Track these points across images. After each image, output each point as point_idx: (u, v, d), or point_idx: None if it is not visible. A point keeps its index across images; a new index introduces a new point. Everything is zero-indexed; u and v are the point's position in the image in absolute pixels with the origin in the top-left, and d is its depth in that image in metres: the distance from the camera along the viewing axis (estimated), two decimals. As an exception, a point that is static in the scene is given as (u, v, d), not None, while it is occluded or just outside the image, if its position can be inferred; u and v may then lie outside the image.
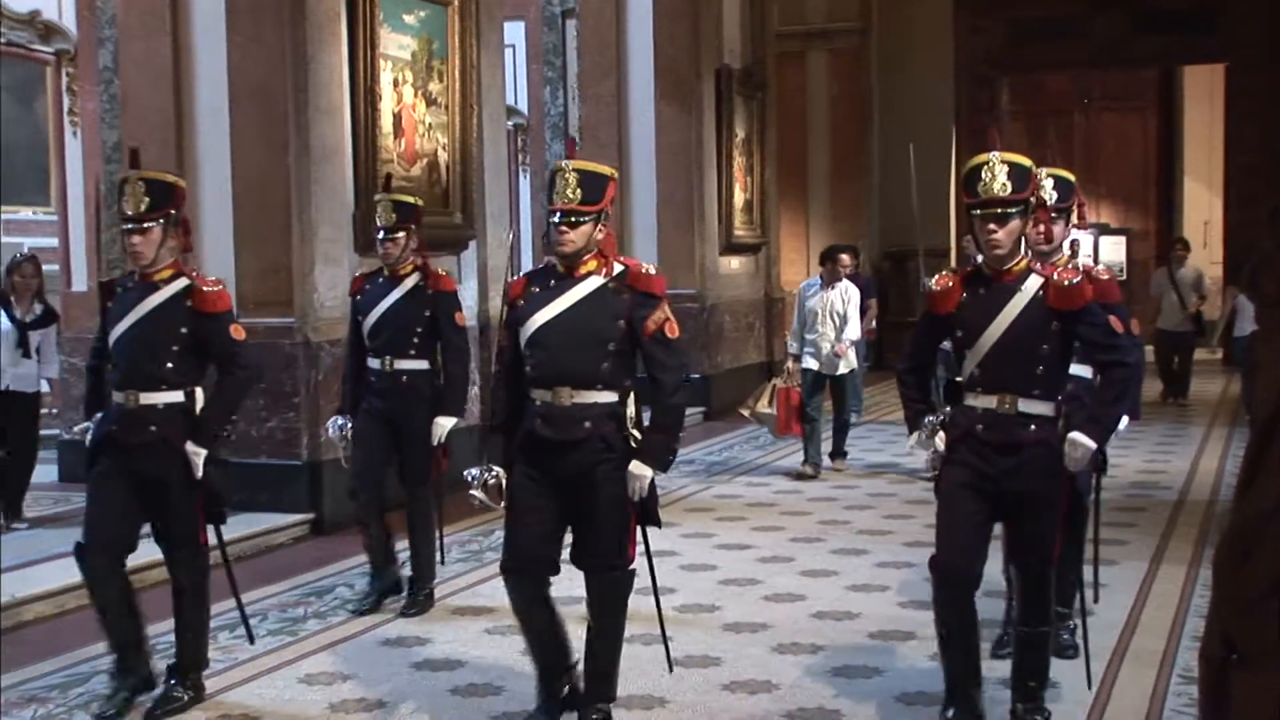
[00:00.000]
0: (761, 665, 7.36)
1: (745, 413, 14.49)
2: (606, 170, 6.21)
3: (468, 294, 12.88)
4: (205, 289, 6.73)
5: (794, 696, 6.93)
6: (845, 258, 14.09)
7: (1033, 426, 5.92)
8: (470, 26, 12.96)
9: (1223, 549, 2.87)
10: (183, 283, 6.72)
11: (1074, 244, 7.52)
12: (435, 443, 8.72)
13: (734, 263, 19.82)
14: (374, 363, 8.73)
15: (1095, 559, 7.90)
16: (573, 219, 5.94)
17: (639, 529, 6.26)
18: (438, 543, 9.08)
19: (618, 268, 6.13)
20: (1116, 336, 5.99)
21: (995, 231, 5.85)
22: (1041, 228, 6.81)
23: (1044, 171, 6.90)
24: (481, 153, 13.10)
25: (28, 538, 10.50)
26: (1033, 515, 6.03)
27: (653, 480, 6.10)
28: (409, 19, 12.26)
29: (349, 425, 8.72)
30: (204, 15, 11.63)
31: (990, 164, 5.86)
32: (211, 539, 6.99)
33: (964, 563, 5.99)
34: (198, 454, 6.64)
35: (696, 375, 17.90)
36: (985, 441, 5.96)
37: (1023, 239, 6.02)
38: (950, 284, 6.14)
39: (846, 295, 13.66)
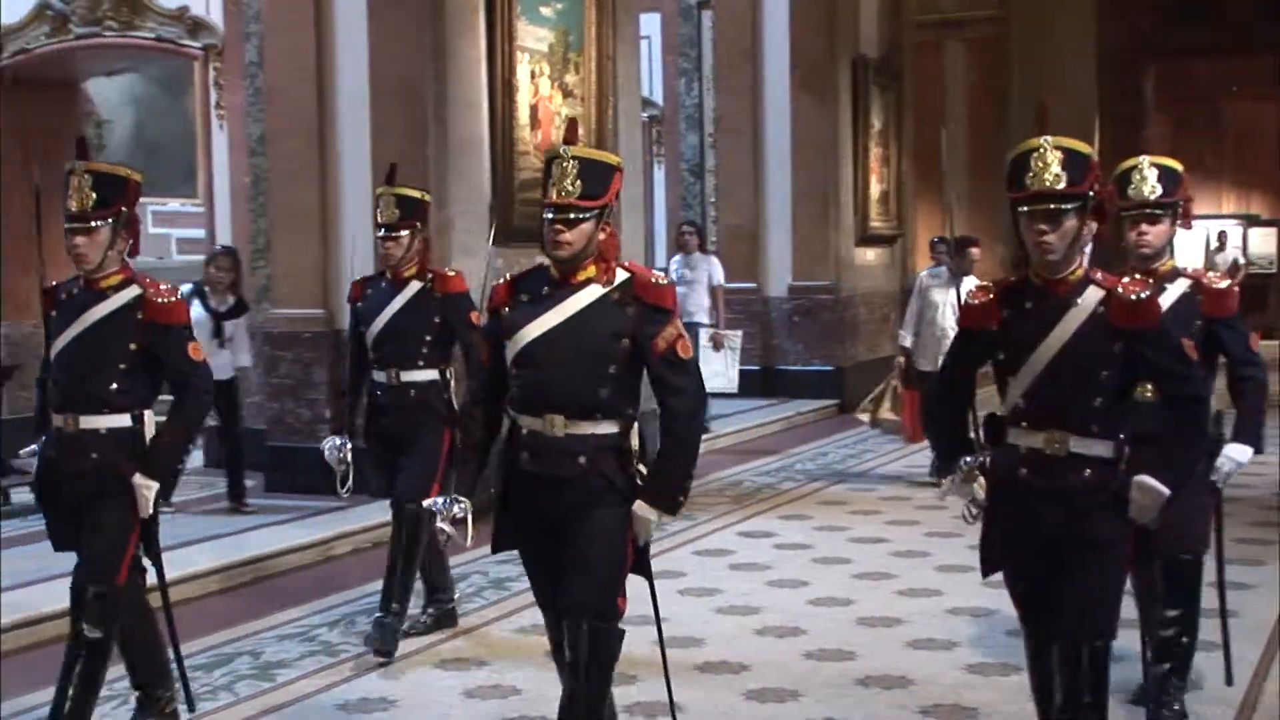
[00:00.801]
0: (896, 660, 7.21)
1: (864, 418, 14.01)
2: (612, 159, 5.27)
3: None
4: (158, 299, 5.83)
5: (928, 692, 6.76)
6: (976, 250, 13.21)
7: (1087, 470, 4.73)
8: (607, 18, 12.94)
9: None
10: (133, 291, 5.82)
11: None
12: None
13: (869, 254, 19.63)
14: (379, 375, 7.85)
15: (1223, 613, 6.60)
16: (571, 216, 4.90)
17: (645, 578, 5.29)
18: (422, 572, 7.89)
19: (621, 275, 5.06)
20: (1189, 365, 4.87)
21: (1046, 233, 4.65)
22: (1145, 229, 6.02)
23: (1146, 160, 6.10)
24: (617, 145, 12.98)
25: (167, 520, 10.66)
26: (1084, 570, 4.75)
27: (674, 515, 5.33)
28: (546, 11, 12.25)
29: (348, 446, 7.88)
30: (346, 9, 11.75)
31: (1041, 150, 4.68)
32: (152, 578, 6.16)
33: (1048, 621, 4.96)
34: (149, 487, 5.78)
35: (830, 366, 17.83)
36: (1030, 488, 4.81)
37: (1079, 241, 4.76)
38: (990, 296, 4.99)
39: None
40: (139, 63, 16.17)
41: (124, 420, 5.82)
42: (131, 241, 5.96)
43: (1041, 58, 23.87)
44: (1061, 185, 4.64)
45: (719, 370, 14.97)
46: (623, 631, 5.10)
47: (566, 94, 12.58)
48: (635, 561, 5.16)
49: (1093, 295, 4.74)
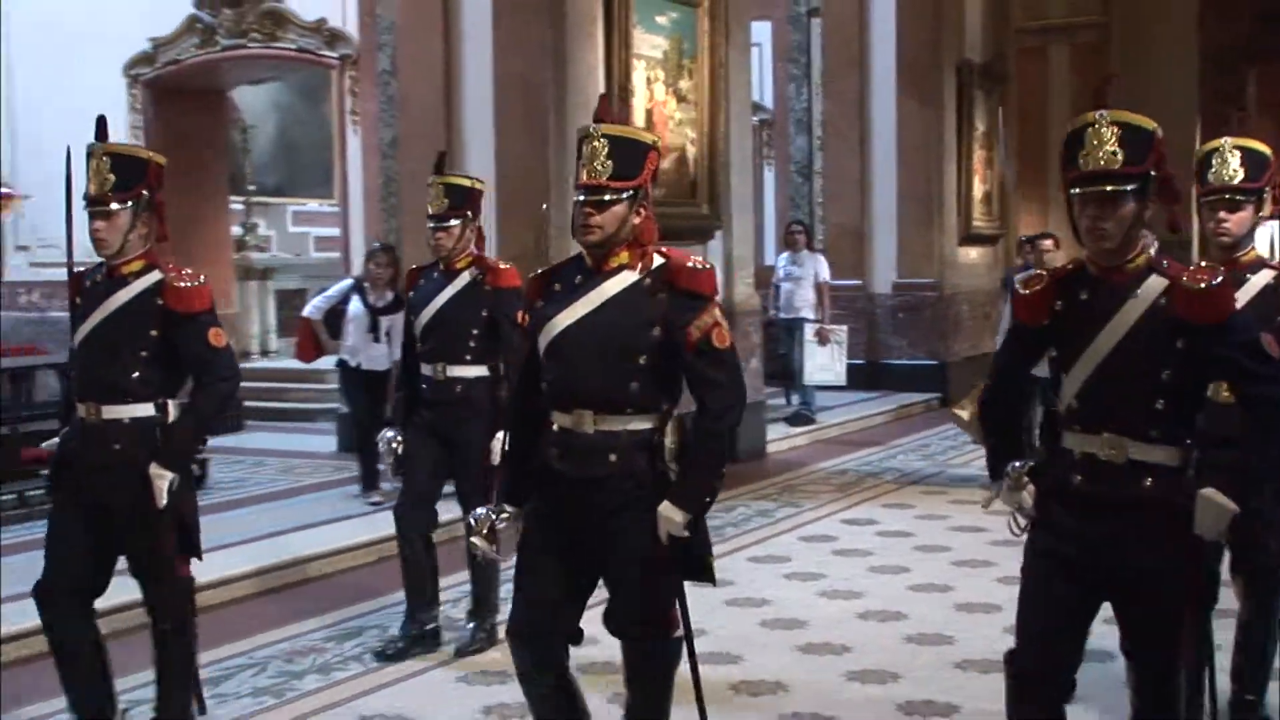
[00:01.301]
0: (994, 644, 6.89)
1: (964, 414, 13.66)
2: (646, 137, 4.65)
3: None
4: (179, 284, 5.33)
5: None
6: (1048, 243, 12.73)
7: (1148, 480, 4.03)
8: (719, 27, 12.88)
9: None
10: (154, 277, 5.35)
11: None
12: (496, 461, 6.80)
13: (972, 253, 19.36)
14: (425, 369, 7.22)
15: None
16: (601, 198, 4.35)
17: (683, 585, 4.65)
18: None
19: (657, 260, 4.49)
20: (1269, 363, 4.05)
21: (1101, 217, 3.99)
22: (1224, 216, 5.30)
23: (1229, 142, 5.34)
24: (728, 147, 13.04)
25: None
26: (1147, 601, 4.10)
27: (699, 523, 4.51)
28: (661, 20, 12.17)
29: (399, 438, 7.25)
30: (473, 17, 11.77)
31: (1097, 125, 4.00)
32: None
33: (1045, 664, 4.22)
34: (162, 477, 5.24)
35: (934, 361, 17.68)
36: (1083, 498, 4.11)
37: (1138, 226, 4.09)
38: (1041, 285, 4.29)
39: None
40: (281, 72, 16.31)
41: (146, 409, 5.34)
42: (156, 226, 5.50)
43: (1144, 62, 23.43)
44: (1119, 164, 3.97)
45: (825, 364, 14.89)
46: (679, 641, 4.62)
47: (680, 99, 12.51)
48: (687, 566, 4.57)
49: (1155, 285, 4.03)
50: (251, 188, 20.29)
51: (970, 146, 18.66)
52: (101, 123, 5.60)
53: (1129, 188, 3.98)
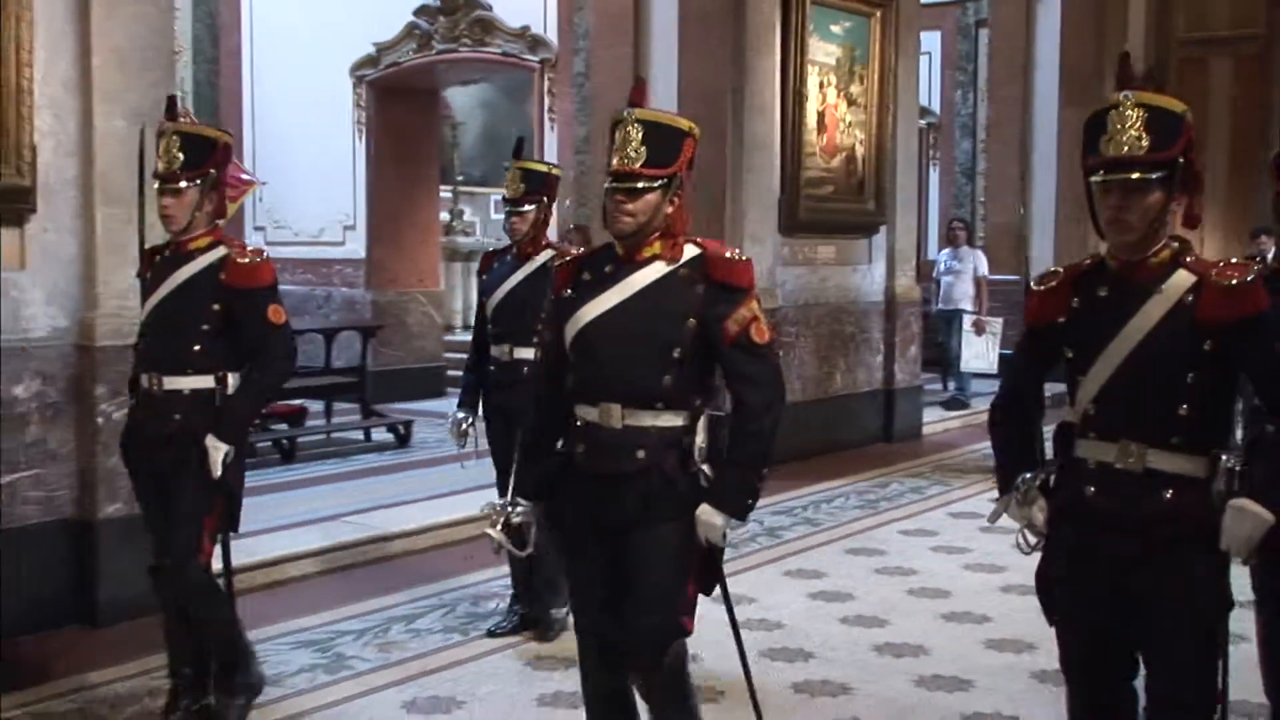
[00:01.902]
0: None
1: None
2: (683, 124, 4.12)
3: (875, 273, 12.79)
4: (240, 260, 5.13)
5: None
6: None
7: (1168, 492, 3.43)
8: (890, 35, 12.77)
9: None
10: (219, 253, 5.14)
11: None
12: None
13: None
14: (494, 350, 6.89)
15: None
16: (635, 186, 3.89)
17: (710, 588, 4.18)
18: None
19: (691, 250, 4.02)
20: None
21: (1125, 208, 3.43)
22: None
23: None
24: (895, 148, 12.97)
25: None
26: (1169, 633, 3.48)
27: (744, 517, 4.05)
28: (835, 29, 12.10)
29: (468, 420, 6.93)
30: (660, 28, 11.83)
31: (1120, 108, 3.43)
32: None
33: (1101, 698, 3.72)
34: (217, 449, 5.01)
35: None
36: (1097, 513, 3.54)
37: (1164, 217, 3.52)
38: (1056, 281, 3.75)
39: None
40: (488, 74, 16.50)
41: (207, 381, 5.10)
42: (220, 202, 5.34)
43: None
44: (1143, 149, 3.41)
45: (980, 353, 14.74)
46: (684, 646, 4.14)
47: (851, 103, 12.43)
48: (706, 575, 4.10)
49: (1181, 281, 3.47)
50: (459, 178, 20.59)
51: (1127, 153, 18.24)
52: (171, 101, 5.49)
53: (1155, 175, 3.42)
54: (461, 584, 7.71)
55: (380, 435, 12.57)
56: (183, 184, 5.07)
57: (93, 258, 6.89)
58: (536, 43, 14.10)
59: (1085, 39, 17.44)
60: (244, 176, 13.42)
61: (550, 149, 13.92)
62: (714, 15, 11.39)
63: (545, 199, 6.81)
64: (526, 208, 6.68)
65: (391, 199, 15.66)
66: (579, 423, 4.06)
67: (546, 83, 14.08)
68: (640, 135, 3.92)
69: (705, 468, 3.98)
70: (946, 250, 15.75)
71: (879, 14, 12.57)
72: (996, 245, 17.38)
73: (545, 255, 6.72)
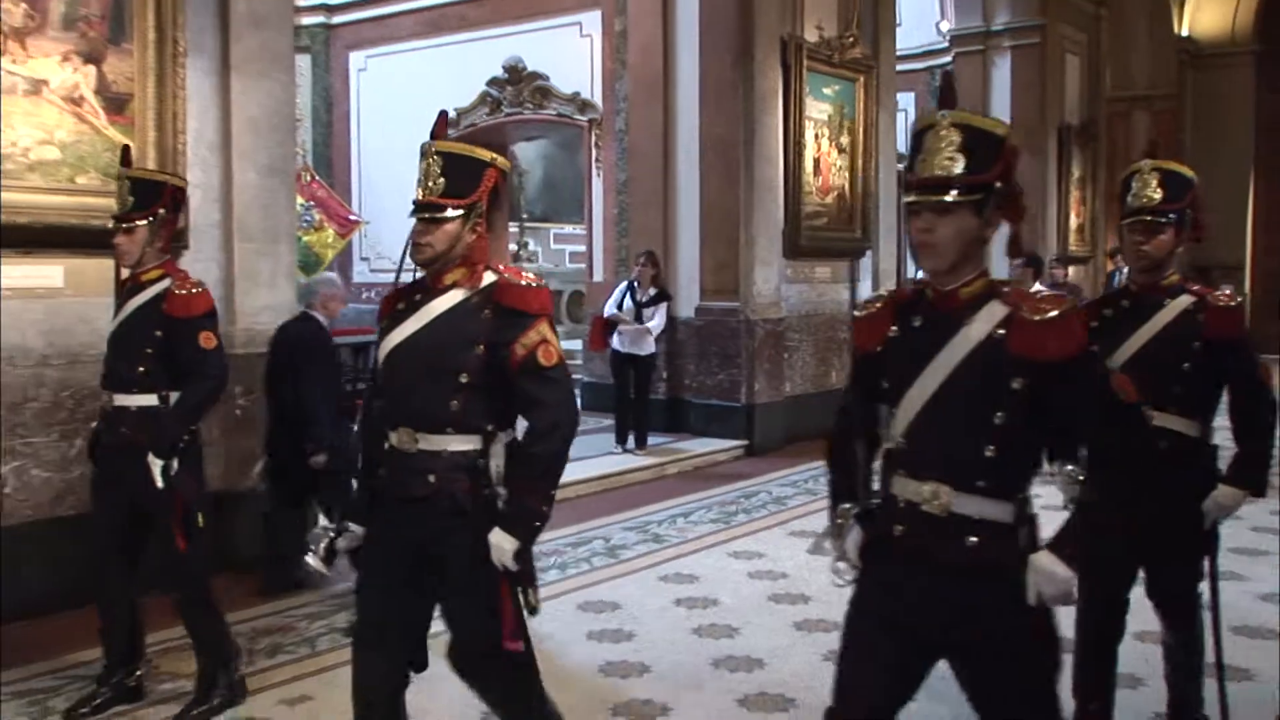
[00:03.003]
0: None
1: None
2: (483, 155, 3.45)
3: (863, 289, 12.83)
4: (178, 291, 4.71)
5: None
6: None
7: (972, 539, 2.70)
8: (872, 95, 12.79)
9: None
10: (165, 284, 4.75)
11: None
12: None
13: (1070, 270, 18.91)
14: None
15: (1221, 683, 4.15)
16: (433, 215, 3.35)
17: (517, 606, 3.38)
18: None
19: (489, 278, 3.42)
20: (1119, 413, 3.04)
21: (931, 229, 2.71)
22: (1142, 238, 3.91)
23: (1147, 164, 3.99)
24: (877, 187, 12.99)
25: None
26: (986, 675, 2.78)
27: (523, 552, 3.28)
28: (827, 91, 12.13)
29: None
30: (685, 91, 11.86)
31: (937, 127, 2.72)
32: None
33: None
34: (154, 463, 4.56)
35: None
36: (904, 551, 2.81)
37: (974, 244, 2.76)
38: (878, 308, 2.99)
39: None
40: (546, 131, 16.49)
41: (150, 400, 4.68)
42: (167, 240, 4.86)
43: (1209, 126, 22.81)
44: (956, 171, 2.69)
45: None
46: (527, 664, 3.42)
47: (840, 150, 12.44)
48: (511, 592, 3.32)
49: (993, 313, 2.72)
50: (524, 216, 20.64)
51: (1068, 189, 18.11)
52: (125, 150, 5.09)
53: (967, 199, 2.68)
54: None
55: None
56: (133, 224, 4.71)
57: (231, 283, 6.92)
58: (585, 105, 14.08)
59: (1031, 97, 17.34)
60: (351, 217, 13.53)
61: (597, 192, 13.91)
62: (728, 81, 11.40)
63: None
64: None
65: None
66: (386, 446, 3.44)
67: (594, 137, 14.04)
68: (440, 166, 3.38)
69: (501, 490, 3.36)
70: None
71: (862, 79, 12.59)
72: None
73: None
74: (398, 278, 4.74)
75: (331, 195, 13.29)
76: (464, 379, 3.33)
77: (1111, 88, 20.98)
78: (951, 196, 2.67)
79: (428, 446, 3.35)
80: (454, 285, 3.41)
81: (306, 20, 15.68)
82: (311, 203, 12.48)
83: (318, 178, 13.25)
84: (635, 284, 10.86)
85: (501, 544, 3.23)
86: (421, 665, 3.51)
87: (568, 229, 20.01)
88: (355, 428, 4.39)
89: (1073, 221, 18.62)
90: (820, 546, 3.21)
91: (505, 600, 3.29)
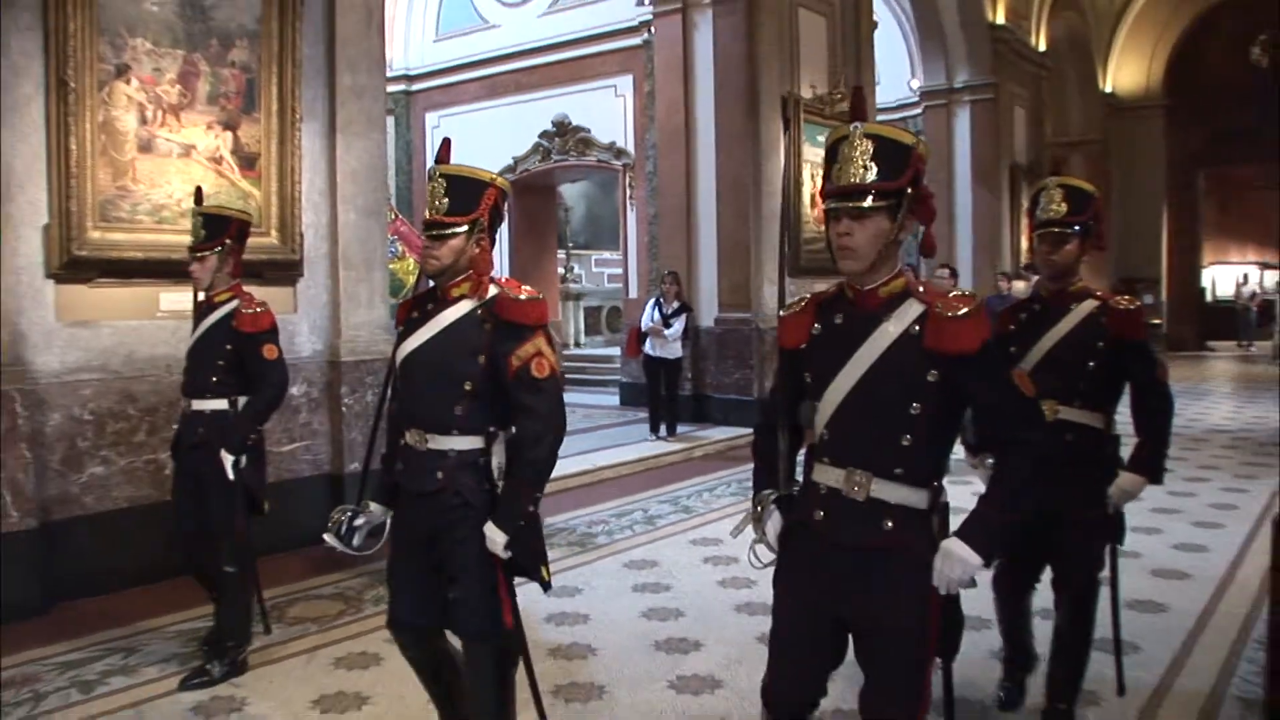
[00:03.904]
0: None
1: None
2: (484, 175, 3.19)
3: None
4: (245, 310, 4.57)
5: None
6: (943, 273, 11.56)
7: (888, 522, 2.48)
8: (857, 143, 12.69)
9: None
10: (234, 304, 4.60)
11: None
12: None
13: (1019, 285, 18.70)
14: None
15: (1118, 655, 4.13)
16: (439, 232, 3.10)
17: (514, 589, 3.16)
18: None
19: (492, 291, 3.16)
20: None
21: (849, 233, 2.49)
22: (1049, 248, 3.66)
23: (1053, 180, 3.73)
24: (863, 217, 12.87)
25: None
26: (881, 651, 2.52)
27: (524, 538, 3.07)
28: (820, 138, 11.99)
29: None
30: (704, 140, 11.88)
31: (851, 138, 2.50)
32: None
33: (792, 698, 2.65)
34: (226, 458, 4.45)
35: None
36: (823, 535, 2.56)
37: (890, 246, 2.52)
38: (800, 307, 2.73)
39: None
40: (588, 174, 16.51)
41: (221, 404, 4.57)
42: (235, 265, 4.68)
43: (1129, 166, 22.99)
44: (870, 178, 2.46)
45: None
46: (513, 644, 3.18)
47: (832, 188, 12.41)
48: (511, 571, 3.14)
49: (909, 311, 2.51)
50: (570, 244, 20.70)
51: (1019, 217, 17.91)
52: (198, 191, 4.92)
53: (881, 204, 2.47)
54: (579, 516, 7.61)
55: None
56: (203, 254, 4.58)
57: (337, 304, 6.94)
58: (620, 153, 14.10)
59: (987, 141, 17.27)
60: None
61: (631, 224, 13.95)
62: (739, 132, 11.45)
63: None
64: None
65: (525, 258, 15.66)
66: (401, 443, 3.25)
67: (627, 179, 14.06)
68: (444, 187, 3.12)
69: (501, 484, 3.15)
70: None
71: (850, 127, 12.53)
72: (934, 282, 17.26)
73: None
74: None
75: (412, 230, 13.36)
76: (467, 386, 3.10)
77: (1052, 134, 21.00)
78: (868, 202, 2.46)
79: (436, 446, 3.14)
80: (462, 297, 3.16)
81: (391, 89, 15.75)
82: (396, 237, 12.58)
83: (400, 216, 13.33)
84: (661, 299, 10.95)
85: (494, 537, 3.02)
86: (440, 633, 3.28)
87: (606, 255, 20.07)
88: None
89: (1023, 244, 18.51)
90: (740, 530, 2.85)
91: (501, 584, 3.11)
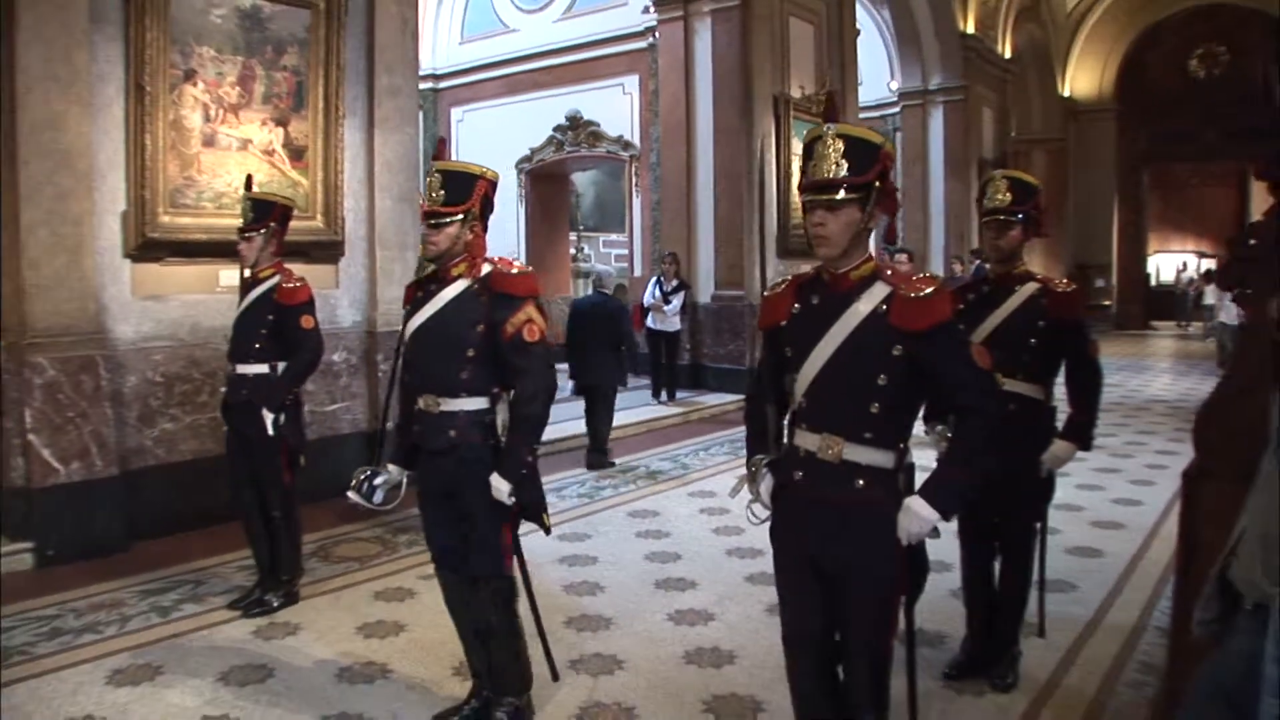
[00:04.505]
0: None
1: None
2: (476, 169, 3.25)
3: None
4: (285, 285, 4.61)
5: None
6: (901, 257, 11.36)
7: (859, 481, 2.51)
8: (840, 139, 12.69)
9: (1201, 412, 2.68)
10: (275, 279, 4.62)
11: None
12: None
13: (955, 268, 18.87)
14: None
15: (1041, 598, 4.10)
16: (437, 220, 3.18)
17: (518, 533, 3.32)
18: None
19: (486, 269, 3.27)
20: (977, 372, 2.50)
21: (823, 223, 2.51)
22: (996, 236, 3.63)
23: (999, 173, 3.74)
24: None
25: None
26: (854, 590, 2.54)
27: (524, 483, 3.18)
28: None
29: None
30: (703, 133, 11.86)
31: (824, 137, 2.50)
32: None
33: (803, 631, 2.67)
34: (266, 415, 4.51)
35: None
36: (802, 493, 2.61)
37: (859, 235, 2.53)
38: (781, 289, 2.75)
39: None
40: (598, 164, 16.38)
41: (263, 368, 4.61)
42: (278, 244, 4.70)
43: (1086, 163, 23.05)
44: (841, 173, 2.47)
45: None
46: (510, 581, 3.31)
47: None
48: (515, 517, 3.28)
49: (878, 293, 2.53)
50: (581, 227, 20.66)
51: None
52: (249, 179, 4.92)
53: (851, 196, 2.48)
54: (589, 472, 7.60)
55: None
56: (249, 234, 4.61)
57: (374, 280, 6.99)
58: (627, 145, 14.04)
59: (957, 138, 17.24)
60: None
61: (636, 209, 13.95)
62: (734, 127, 11.43)
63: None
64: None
65: (540, 241, 15.62)
66: (416, 409, 3.32)
67: (633, 169, 14.00)
68: (440, 181, 3.19)
69: (504, 438, 3.23)
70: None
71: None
72: (915, 265, 17.37)
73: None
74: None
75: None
76: (470, 353, 3.20)
77: (1015, 132, 20.97)
78: (840, 195, 2.47)
79: (447, 408, 3.22)
80: (459, 276, 3.25)
81: (421, 87, 15.78)
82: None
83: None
84: (661, 278, 11.04)
85: (499, 485, 3.12)
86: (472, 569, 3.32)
87: (614, 237, 20.01)
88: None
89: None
90: (737, 490, 2.87)
91: (506, 532, 3.24)
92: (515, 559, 3.29)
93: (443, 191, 3.17)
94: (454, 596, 3.41)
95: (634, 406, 10.30)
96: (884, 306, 2.49)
